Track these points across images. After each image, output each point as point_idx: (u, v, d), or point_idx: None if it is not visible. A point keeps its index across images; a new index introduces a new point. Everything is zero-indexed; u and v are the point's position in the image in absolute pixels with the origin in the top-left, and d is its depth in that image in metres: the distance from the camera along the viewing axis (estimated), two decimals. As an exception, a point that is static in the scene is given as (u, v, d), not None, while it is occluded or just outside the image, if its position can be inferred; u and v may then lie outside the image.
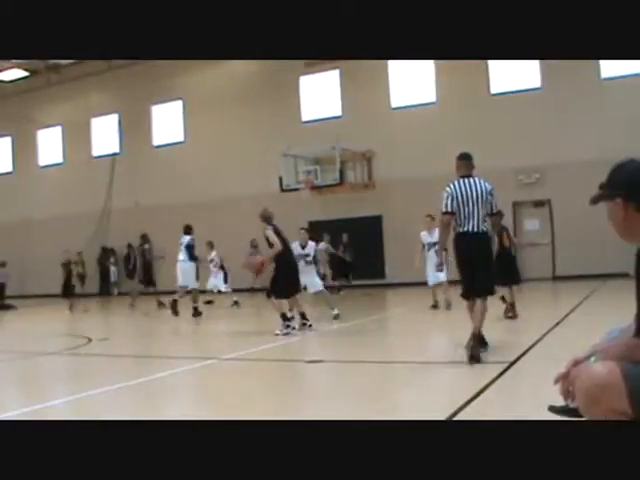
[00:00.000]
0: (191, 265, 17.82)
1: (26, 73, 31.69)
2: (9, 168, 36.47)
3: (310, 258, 14.69)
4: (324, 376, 8.15)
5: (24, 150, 35.71)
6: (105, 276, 32.05)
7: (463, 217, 8.34)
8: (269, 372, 8.85)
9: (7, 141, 36.41)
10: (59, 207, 33.36)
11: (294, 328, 12.33)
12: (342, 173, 25.06)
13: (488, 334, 8.73)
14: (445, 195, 8.47)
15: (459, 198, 8.34)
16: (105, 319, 20.87)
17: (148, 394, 7.67)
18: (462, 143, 23.28)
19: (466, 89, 24.47)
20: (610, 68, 22.24)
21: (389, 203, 25.55)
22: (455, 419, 5.21)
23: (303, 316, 12.72)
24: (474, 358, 7.83)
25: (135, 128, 31.85)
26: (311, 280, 14.65)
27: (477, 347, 8.02)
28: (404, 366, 8.58)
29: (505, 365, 7.52)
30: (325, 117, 27.12)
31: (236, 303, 19.52)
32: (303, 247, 14.56)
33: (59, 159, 34.70)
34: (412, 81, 25.82)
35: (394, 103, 26.22)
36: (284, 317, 12.36)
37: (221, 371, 9.17)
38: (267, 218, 12.63)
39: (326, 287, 17.22)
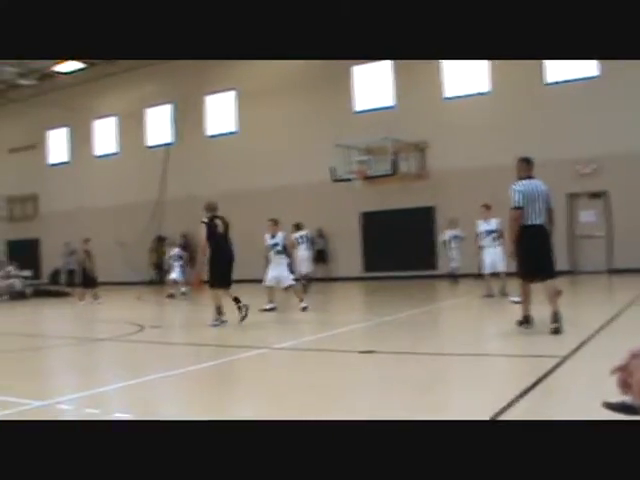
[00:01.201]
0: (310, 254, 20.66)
1: (83, 64, 32.07)
2: (66, 158, 37.07)
3: (279, 247, 15.32)
4: (376, 367, 8.12)
5: (80, 140, 36.26)
6: (159, 265, 32.40)
7: (531, 212, 9.56)
8: (320, 362, 8.83)
9: (64, 131, 37.00)
10: (114, 196, 33.83)
11: (224, 321, 12.63)
12: (395, 163, 24.94)
13: (540, 327, 9.29)
14: (515, 192, 9.61)
15: (528, 195, 9.56)
16: (158, 307, 21.07)
17: (198, 382, 7.76)
18: (516, 133, 23.26)
19: (520, 79, 24.03)
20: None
21: (442, 194, 25.34)
22: (503, 417, 5.14)
23: (219, 310, 12.83)
24: (557, 331, 9.27)
25: (189, 118, 32.07)
26: (280, 273, 15.20)
27: (558, 322, 9.36)
28: (456, 358, 8.53)
29: (558, 359, 7.42)
30: (377, 107, 26.99)
31: (183, 293, 21.26)
32: (272, 237, 15.34)
33: (114, 149, 35.16)
34: (465, 71, 25.50)
35: (447, 93, 25.99)
36: (218, 310, 12.70)
37: (273, 360, 9.22)
38: (209, 208, 13.09)
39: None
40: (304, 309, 14.69)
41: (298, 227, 20.29)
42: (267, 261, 15.63)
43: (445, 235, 21.36)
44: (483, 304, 14.96)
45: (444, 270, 23.83)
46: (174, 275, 21.56)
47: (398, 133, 24.62)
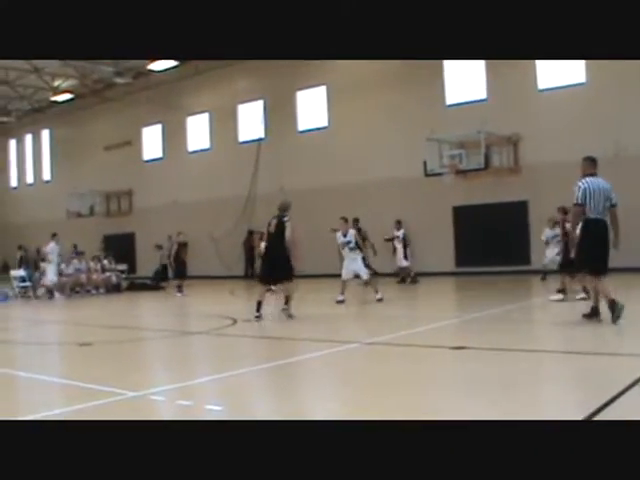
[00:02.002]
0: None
1: (176, 62, 32.53)
2: (160, 154, 37.83)
3: (352, 245, 16.20)
4: (467, 363, 8.03)
5: (174, 136, 36.97)
6: (251, 259, 32.67)
7: (594, 207, 10.12)
8: (409, 358, 8.73)
9: (158, 128, 37.75)
10: (206, 191, 34.36)
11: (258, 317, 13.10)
12: (487, 157, 24.56)
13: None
14: (579, 189, 10.21)
15: (592, 192, 10.13)
16: (250, 301, 21.29)
17: (288, 376, 7.88)
18: (614, 126, 22.58)
19: (619, 68, 23.06)
20: None
21: (536, 188, 24.73)
22: (599, 418, 4.95)
23: (259, 305, 13.28)
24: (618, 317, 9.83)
25: (280, 114, 32.29)
26: (358, 268, 16.24)
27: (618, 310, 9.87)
28: (549, 355, 8.36)
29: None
30: (470, 100, 26.54)
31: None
32: (344, 235, 16.24)
33: (206, 145, 35.68)
34: (560, 61, 24.73)
35: (541, 85, 25.35)
36: (258, 305, 13.24)
37: (363, 355, 9.21)
38: (278, 207, 13.48)
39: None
40: (379, 300, 15.67)
41: (399, 224, 22.16)
42: (341, 257, 16.66)
43: (544, 235, 20.76)
44: (576, 301, 14.54)
45: (538, 265, 23.34)
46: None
47: (490, 126, 24.19)
